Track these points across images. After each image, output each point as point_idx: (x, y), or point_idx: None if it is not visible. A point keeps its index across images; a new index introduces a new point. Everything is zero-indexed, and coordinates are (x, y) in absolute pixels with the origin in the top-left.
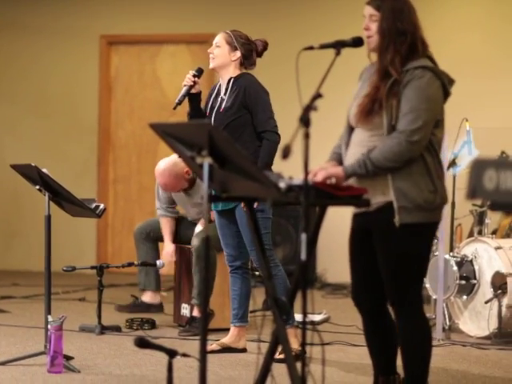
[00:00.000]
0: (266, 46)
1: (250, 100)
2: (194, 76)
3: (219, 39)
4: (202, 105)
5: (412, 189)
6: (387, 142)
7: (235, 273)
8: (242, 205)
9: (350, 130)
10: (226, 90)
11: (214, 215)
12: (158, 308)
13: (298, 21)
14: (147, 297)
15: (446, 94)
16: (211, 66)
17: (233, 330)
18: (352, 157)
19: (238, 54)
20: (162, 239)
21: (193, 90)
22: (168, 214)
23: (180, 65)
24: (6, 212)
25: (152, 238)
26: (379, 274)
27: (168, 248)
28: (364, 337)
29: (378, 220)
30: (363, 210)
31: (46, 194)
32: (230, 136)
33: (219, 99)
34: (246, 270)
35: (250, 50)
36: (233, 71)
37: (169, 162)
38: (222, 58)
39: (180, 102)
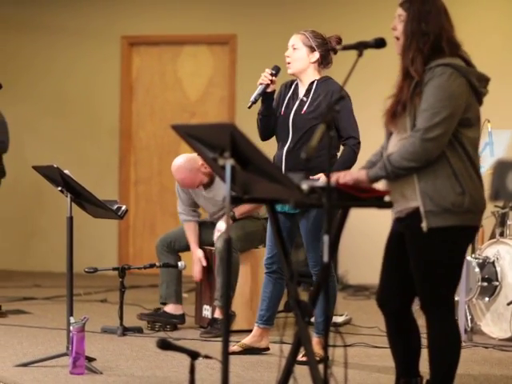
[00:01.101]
0: (340, 42)
1: None
2: (272, 75)
3: (296, 41)
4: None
5: (438, 192)
6: (405, 142)
7: (270, 276)
8: None
9: (390, 134)
10: (308, 91)
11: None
12: (180, 319)
13: (322, 22)
14: (169, 308)
15: (478, 93)
16: (290, 71)
17: (256, 331)
18: None
19: (317, 55)
20: (183, 250)
21: (268, 89)
22: (191, 218)
23: (201, 66)
24: (28, 213)
25: (173, 249)
26: (409, 278)
27: (198, 253)
28: (387, 338)
29: (408, 225)
30: (398, 215)
31: (68, 195)
32: (308, 138)
33: (298, 100)
34: (281, 275)
35: (327, 50)
36: (312, 73)
37: (183, 157)
38: (302, 61)
39: (256, 101)
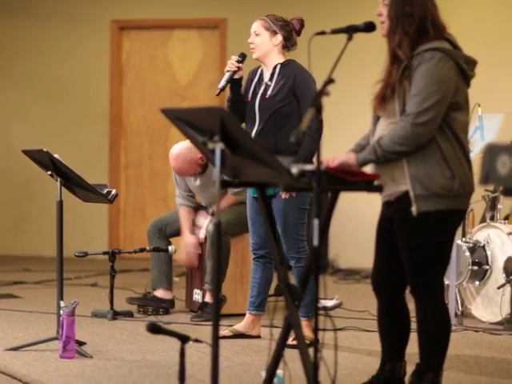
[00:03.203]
0: (302, 23)
1: (298, 88)
2: (238, 62)
3: (257, 27)
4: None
5: (427, 176)
6: (395, 127)
7: (258, 261)
8: (283, 194)
9: (376, 119)
10: (272, 76)
11: (234, 200)
12: (170, 303)
13: (312, 8)
14: (159, 293)
15: (466, 76)
16: (255, 56)
17: (248, 318)
18: None
19: (280, 37)
20: (174, 235)
21: (235, 76)
22: (187, 203)
23: (191, 50)
24: (17, 198)
25: (165, 233)
26: (401, 261)
27: (188, 239)
28: (377, 322)
29: (397, 209)
30: (387, 199)
31: (58, 179)
32: (274, 122)
33: (263, 85)
34: (269, 260)
35: (290, 31)
36: (277, 56)
37: (183, 146)
38: (265, 46)
39: (223, 88)
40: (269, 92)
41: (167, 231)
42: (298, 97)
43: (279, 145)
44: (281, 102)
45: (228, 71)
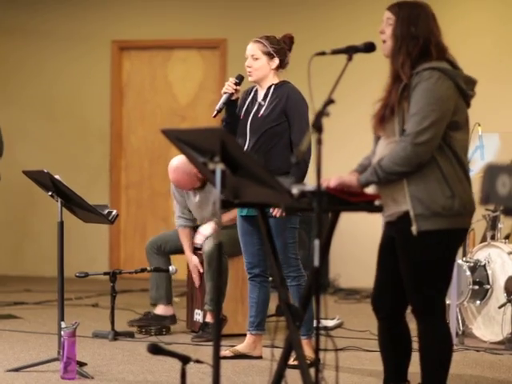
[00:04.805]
0: (292, 39)
1: (290, 108)
2: (236, 84)
3: (255, 51)
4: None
5: (428, 196)
6: (395, 147)
7: (253, 280)
8: (274, 212)
9: (377, 138)
10: (266, 96)
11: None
12: (171, 320)
13: (310, 26)
14: (159, 310)
15: (466, 96)
16: (252, 79)
17: (249, 338)
18: None
19: (277, 61)
20: (173, 252)
21: (232, 98)
22: (186, 224)
23: (191, 70)
24: (19, 217)
25: (163, 251)
26: (402, 282)
27: (193, 260)
28: (378, 342)
29: (398, 229)
30: (389, 219)
31: (59, 200)
32: (265, 141)
33: (256, 105)
34: (265, 278)
35: (285, 53)
36: (272, 78)
37: (182, 159)
38: (263, 70)
39: (220, 110)
40: (261, 111)
41: (166, 249)
42: (289, 117)
43: (269, 164)
44: (273, 122)
45: (225, 93)
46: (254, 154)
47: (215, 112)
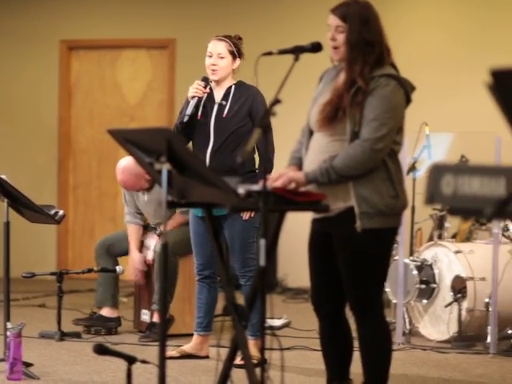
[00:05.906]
0: (241, 40)
1: (256, 110)
2: (204, 87)
3: (222, 50)
4: None
5: (374, 195)
6: (350, 151)
7: (203, 282)
8: (245, 215)
9: (310, 133)
10: (226, 96)
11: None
12: (117, 322)
13: (258, 25)
14: (105, 311)
15: (408, 101)
16: (216, 77)
17: (196, 338)
18: (312, 162)
19: (238, 62)
20: (121, 254)
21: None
22: (135, 221)
23: (140, 70)
24: None
25: (112, 252)
26: (339, 279)
27: (135, 256)
28: (320, 341)
29: (338, 225)
30: (323, 215)
31: (5, 200)
32: (231, 141)
33: (216, 105)
34: (215, 280)
35: (242, 54)
36: (230, 78)
37: (130, 160)
38: (227, 69)
39: (191, 115)
40: (225, 112)
41: (114, 250)
42: (254, 118)
43: (236, 164)
44: (239, 123)
45: (194, 97)
46: (218, 154)
47: (186, 117)
